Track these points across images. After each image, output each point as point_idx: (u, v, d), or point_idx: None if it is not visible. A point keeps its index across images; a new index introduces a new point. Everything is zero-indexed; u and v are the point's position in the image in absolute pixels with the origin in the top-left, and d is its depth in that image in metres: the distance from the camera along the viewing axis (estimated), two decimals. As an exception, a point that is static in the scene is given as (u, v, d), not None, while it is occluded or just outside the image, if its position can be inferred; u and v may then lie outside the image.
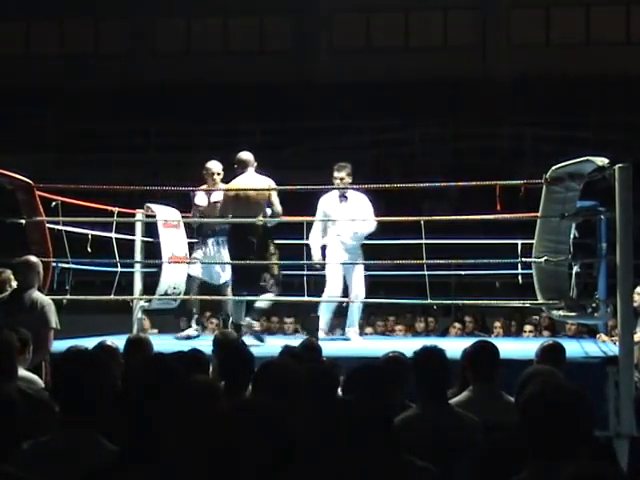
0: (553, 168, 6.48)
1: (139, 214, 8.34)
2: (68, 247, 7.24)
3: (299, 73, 17.67)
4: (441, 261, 7.48)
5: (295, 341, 5.69)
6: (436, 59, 17.22)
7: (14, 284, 6.28)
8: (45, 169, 12.70)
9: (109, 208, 7.75)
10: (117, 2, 18.30)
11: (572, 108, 15.72)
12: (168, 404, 2.52)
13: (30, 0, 18.26)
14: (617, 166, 5.73)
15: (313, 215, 7.76)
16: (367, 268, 8.02)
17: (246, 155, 7.46)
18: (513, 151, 15.45)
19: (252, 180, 7.33)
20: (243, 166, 7.38)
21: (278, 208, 7.23)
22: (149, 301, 8.19)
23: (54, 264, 7.04)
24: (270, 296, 7.29)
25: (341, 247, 7.68)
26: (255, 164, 7.42)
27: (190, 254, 8.04)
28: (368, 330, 10.17)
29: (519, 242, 7.45)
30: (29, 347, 4.63)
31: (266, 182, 7.30)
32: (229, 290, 7.64)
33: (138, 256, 8.36)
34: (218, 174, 7.75)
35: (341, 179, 7.60)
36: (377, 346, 7.24)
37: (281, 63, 17.76)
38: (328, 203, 7.74)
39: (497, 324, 10.41)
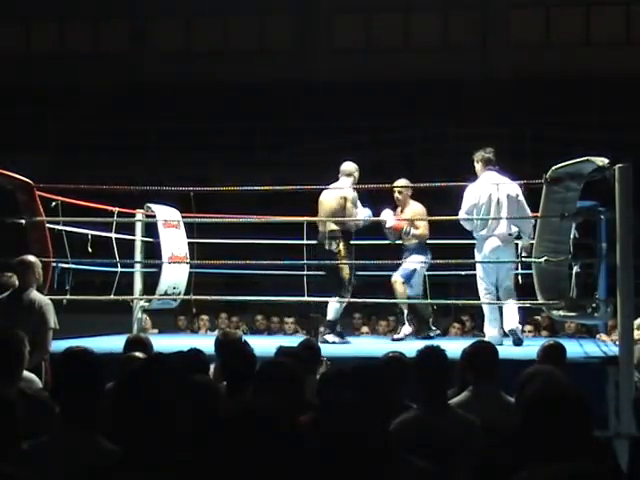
0: (553, 168, 6.49)
1: (139, 214, 8.34)
2: (68, 247, 7.24)
3: (299, 73, 17.66)
4: (441, 261, 7.48)
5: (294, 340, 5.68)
6: (436, 59, 17.21)
7: None
8: (45, 169, 12.70)
9: (109, 208, 7.75)
10: (117, 2, 18.29)
11: (572, 108, 15.71)
12: (168, 404, 2.52)
13: (30, 0, 18.25)
14: (617, 166, 5.74)
15: (313, 215, 7.72)
16: (367, 268, 8.02)
17: (344, 165, 7.71)
18: (513, 151, 15.44)
19: (330, 188, 7.58)
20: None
21: (348, 216, 7.46)
22: (149, 301, 8.19)
23: (54, 264, 7.04)
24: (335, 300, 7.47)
25: None
26: (351, 174, 7.60)
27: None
28: (365, 330, 10.18)
29: (519, 242, 7.45)
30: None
31: (339, 193, 7.50)
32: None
33: (138, 256, 8.37)
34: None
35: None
36: (377, 346, 7.25)
37: (281, 63, 17.75)
38: None
39: (497, 324, 10.41)
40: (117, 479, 2.43)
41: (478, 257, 7.27)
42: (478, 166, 7.55)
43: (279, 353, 4.49)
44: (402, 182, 7.92)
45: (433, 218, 7.62)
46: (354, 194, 7.59)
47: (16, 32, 18.81)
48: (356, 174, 7.68)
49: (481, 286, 7.30)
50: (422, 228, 7.84)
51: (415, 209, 7.93)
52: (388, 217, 7.86)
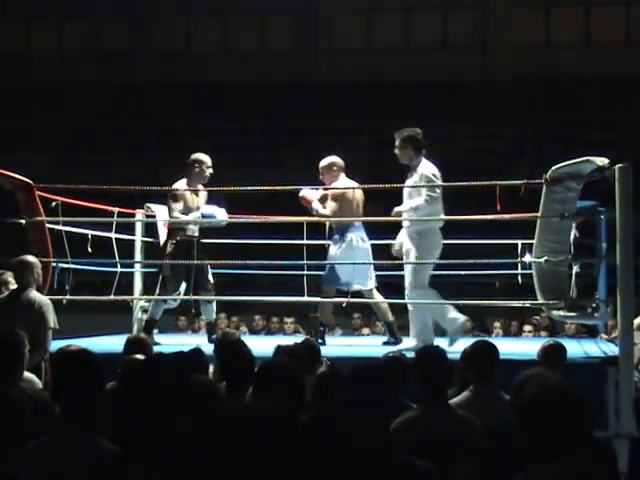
0: (553, 168, 6.48)
1: (139, 214, 8.34)
2: (68, 247, 7.24)
3: (299, 73, 17.67)
4: (441, 261, 7.46)
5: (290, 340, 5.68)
6: (436, 59, 17.22)
7: (12, 287, 6.24)
8: (45, 169, 12.70)
9: (109, 208, 7.75)
10: (117, 2, 18.30)
11: (572, 108, 15.72)
12: (168, 404, 2.52)
13: (30, 0, 18.26)
14: (617, 166, 5.73)
15: (312, 215, 7.70)
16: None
17: None
18: (513, 151, 15.44)
19: None
20: None
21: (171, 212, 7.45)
22: (149, 301, 8.19)
23: (54, 264, 7.04)
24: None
25: None
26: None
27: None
28: (365, 330, 10.18)
29: (519, 242, 7.45)
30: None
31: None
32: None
33: (138, 256, 8.37)
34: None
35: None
36: (377, 346, 7.25)
37: (281, 63, 17.76)
38: None
39: (497, 324, 10.43)
40: (117, 479, 2.43)
41: (428, 251, 6.87)
42: (410, 148, 7.12)
43: (278, 352, 4.49)
44: (323, 162, 7.52)
45: (431, 218, 7.58)
46: (180, 188, 7.41)
47: (16, 32, 18.82)
48: (201, 166, 7.49)
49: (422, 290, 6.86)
50: (329, 209, 7.31)
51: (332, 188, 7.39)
52: (306, 190, 7.44)
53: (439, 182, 6.93)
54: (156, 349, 5.23)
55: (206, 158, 7.61)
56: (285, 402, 2.83)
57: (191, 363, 4.03)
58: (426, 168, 6.96)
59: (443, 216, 6.98)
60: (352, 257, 7.25)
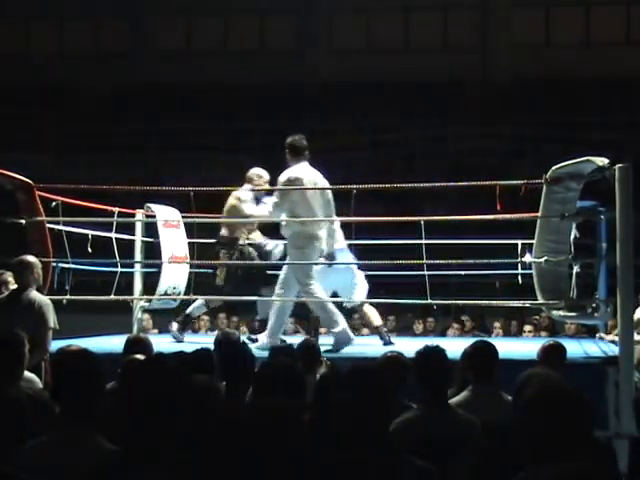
0: (553, 168, 6.48)
1: (139, 214, 8.34)
2: (68, 247, 7.24)
3: (299, 73, 17.66)
4: (441, 261, 7.46)
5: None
6: (436, 59, 17.21)
7: (11, 287, 6.24)
8: (45, 169, 12.70)
9: (109, 208, 7.75)
10: (117, 2, 18.30)
11: (572, 108, 15.72)
12: (168, 404, 2.52)
13: (30, 0, 18.26)
14: (617, 166, 5.73)
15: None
16: (367, 268, 8.00)
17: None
18: (513, 151, 15.44)
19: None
20: None
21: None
22: (149, 301, 8.19)
23: (54, 264, 7.04)
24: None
25: None
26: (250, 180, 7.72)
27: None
28: (365, 331, 10.17)
29: (519, 242, 7.45)
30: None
31: (233, 194, 7.66)
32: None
33: (138, 256, 8.36)
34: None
35: None
36: (377, 346, 7.25)
37: (281, 63, 17.76)
38: None
39: (497, 324, 10.43)
40: (117, 479, 2.44)
41: (298, 253, 7.01)
42: (288, 153, 7.38)
43: (273, 354, 4.49)
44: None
45: (427, 218, 7.58)
46: (248, 197, 7.60)
47: (16, 32, 18.83)
48: (257, 179, 7.74)
49: (311, 286, 6.95)
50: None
51: None
52: None
53: (290, 187, 7.07)
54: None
55: (263, 173, 7.85)
56: (285, 402, 2.83)
57: (199, 362, 4.05)
58: (284, 173, 7.16)
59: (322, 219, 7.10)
60: (331, 270, 7.34)
